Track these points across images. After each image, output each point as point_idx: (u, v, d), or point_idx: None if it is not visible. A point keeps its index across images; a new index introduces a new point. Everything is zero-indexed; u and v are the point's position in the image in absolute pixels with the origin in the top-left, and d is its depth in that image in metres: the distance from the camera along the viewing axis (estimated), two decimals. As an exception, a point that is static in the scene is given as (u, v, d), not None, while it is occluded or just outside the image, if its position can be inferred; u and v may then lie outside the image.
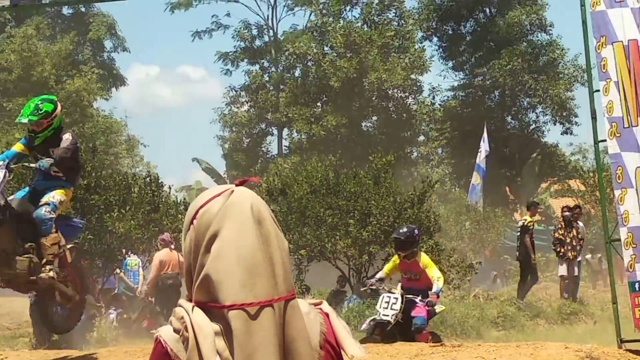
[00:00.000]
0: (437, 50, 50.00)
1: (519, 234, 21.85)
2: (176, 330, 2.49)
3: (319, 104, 50.72)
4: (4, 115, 47.21)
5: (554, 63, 45.62)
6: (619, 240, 11.88)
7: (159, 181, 24.76)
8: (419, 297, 12.82)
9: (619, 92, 11.89)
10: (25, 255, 10.68)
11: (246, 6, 54.04)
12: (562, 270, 20.92)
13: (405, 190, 23.93)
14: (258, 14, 52.82)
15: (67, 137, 11.13)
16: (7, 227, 10.54)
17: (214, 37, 52.85)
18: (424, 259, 13.74)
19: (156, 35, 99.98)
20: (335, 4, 47.73)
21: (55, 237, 10.77)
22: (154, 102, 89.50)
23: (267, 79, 52.65)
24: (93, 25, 54.73)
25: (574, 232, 20.54)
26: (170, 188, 26.10)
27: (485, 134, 38.11)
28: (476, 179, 37.09)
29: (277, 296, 2.51)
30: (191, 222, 2.62)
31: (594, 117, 12.52)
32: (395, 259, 13.81)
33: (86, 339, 18.08)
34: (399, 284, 13.91)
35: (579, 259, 21.45)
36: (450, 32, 48.44)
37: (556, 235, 21.32)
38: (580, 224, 21.53)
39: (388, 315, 13.34)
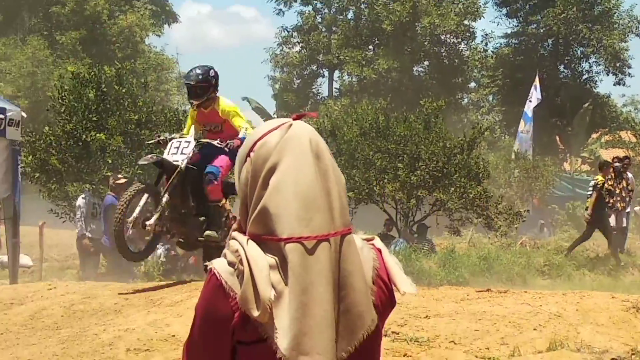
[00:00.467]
0: (491, -3, 60.98)
1: (589, 193, 20.39)
2: (230, 264, 2.51)
3: (370, 47, 50.71)
4: (57, 48, 46.92)
5: (608, 13, 44.52)
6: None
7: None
8: (218, 140, 11.04)
9: None
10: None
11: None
12: (611, 221, 20.41)
13: (455, 136, 23.45)
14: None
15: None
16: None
17: (266, -22, 54.61)
18: (225, 106, 11.75)
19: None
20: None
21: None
22: (205, 40, 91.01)
23: (319, 20, 52.44)
24: (146, -38, 67.53)
25: (624, 183, 20.11)
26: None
27: (537, 82, 36.78)
28: (523, 126, 36.06)
29: (334, 230, 2.55)
30: (247, 155, 2.62)
31: None
32: (191, 112, 11.76)
33: (134, 272, 18.21)
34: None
35: (628, 210, 21.14)
36: (504, -22, 59.48)
37: (606, 185, 20.18)
38: (630, 175, 20.94)
39: (178, 160, 11.40)
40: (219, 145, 10.89)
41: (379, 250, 2.70)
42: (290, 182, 2.54)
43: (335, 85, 52.84)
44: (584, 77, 47.02)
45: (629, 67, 45.84)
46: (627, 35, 45.05)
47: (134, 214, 10.80)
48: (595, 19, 44.98)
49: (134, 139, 22.47)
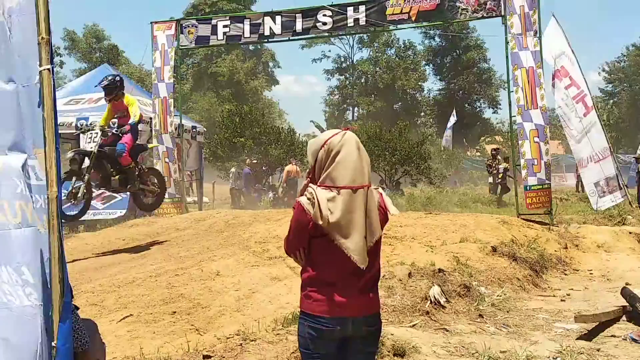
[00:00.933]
0: None
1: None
2: (308, 198, 3.56)
3: (372, 95, 64.28)
4: (221, 97, 55.80)
5: (490, 78, 61.78)
6: (520, 165, 14.95)
7: (294, 129, 31.67)
8: (115, 128, 12.37)
9: (523, 92, 14.58)
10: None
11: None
12: (491, 180, 24.95)
13: (413, 140, 29.26)
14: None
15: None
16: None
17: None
18: (128, 98, 12.94)
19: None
20: None
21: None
22: (290, 92, 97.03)
23: (347, 83, 66.52)
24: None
25: (497, 162, 24.26)
26: (298, 134, 31.92)
27: (454, 112, 49.21)
28: (447, 134, 48.37)
29: (366, 184, 3.63)
30: (322, 147, 3.69)
31: (510, 104, 14.88)
32: (108, 106, 13.05)
33: (258, 205, 22.27)
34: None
35: (500, 176, 23.87)
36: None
37: (487, 162, 25.87)
38: (499, 157, 24.85)
39: (91, 147, 12.99)
40: (115, 132, 12.28)
41: (380, 194, 3.68)
42: (346, 160, 3.58)
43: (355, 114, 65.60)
44: (477, 110, 63.24)
45: (499, 105, 62.08)
46: (499, 89, 59.52)
47: (68, 191, 11.91)
48: (483, 81, 61.21)
49: (258, 142, 27.65)
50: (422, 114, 62.23)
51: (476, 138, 54.61)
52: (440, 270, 8.66)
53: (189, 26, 17.67)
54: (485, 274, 9.34)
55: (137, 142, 13.15)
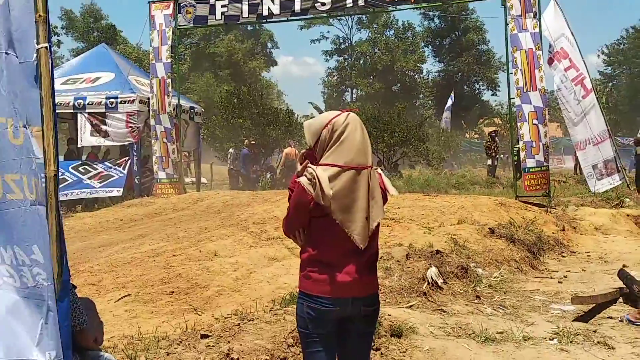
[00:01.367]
0: None
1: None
2: (308, 179, 3.58)
3: (371, 77, 63.21)
4: (219, 77, 55.15)
5: (489, 60, 60.59)
6: (518, 147, 15.07)
7: (292, 111, 31.63)
8: None
9: (522, 74, 14.60)
10: None
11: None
12: (489, 162, 25.20)
13: (411, 121, 28.98)
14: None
15: None
16: None
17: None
18: None
19: None
20: None
21: None
22: (288, 74, 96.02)
23: (346, 64, 65.34)
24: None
25: (495, 143, 24.62)
26: (296, 115, 31.81)
27: (452, 95, 48.03)
28: (445, 115, 47.69)
29: (368, 165, 3.65)
30: (325, 126, 3.67)
31: (509, 86, 14.01)
32: None
33: (256, 186, 21.75)
34: None
35: (497, 157, 25.66)
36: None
37: (485, 145, 25.96)
38: (497, 140, 25.30)
39: None
40: None
41: (380, 174, 3.68)
42: (350, 140, 3.58)
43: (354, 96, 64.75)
44: (476, 92, 62.18)
45: (498, 87, 60.71)
46: (498, 70, 58.53)
47: None
48: (482, 63, 59.88)
49: (256, 123, 27.50)
50: (421, 95, 61.75)
51: (475, 120, 54.54)
52: (437, 251, 8.69)
53: (187, 6, 17.65)
54: (482, 256, 9.38)
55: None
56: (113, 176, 17.72)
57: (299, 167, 3.71)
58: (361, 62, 62.01)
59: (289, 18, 16.87)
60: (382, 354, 5.56)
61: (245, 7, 16.82)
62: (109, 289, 7.97)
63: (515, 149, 14.74)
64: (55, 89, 3.28)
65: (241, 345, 4.91)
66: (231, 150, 25.77)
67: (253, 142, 25.45)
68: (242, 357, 4.72)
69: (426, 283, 7.66)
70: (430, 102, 60.02)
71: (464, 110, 55.23)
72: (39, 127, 3.13)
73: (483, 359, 5.83)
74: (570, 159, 34.20)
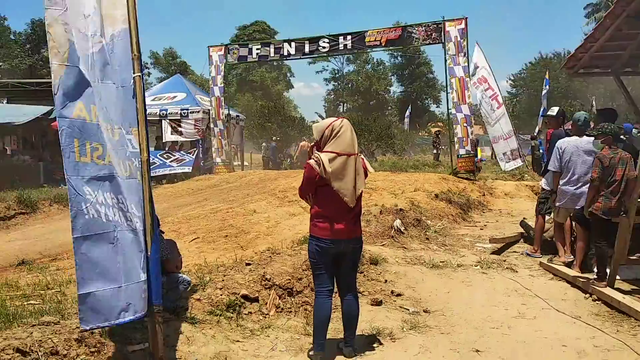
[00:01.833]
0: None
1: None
2: (315, 160, 3.57)
3: (356, 96, 60.36)
4: (256, 96, 52.95)
5: (434, 84, 58.01)
6: (454, 141, 14.72)
7: (304, 118, 31.33)
8: None
9: (456, 93, 14.20)
10: None
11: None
12: (435, 151, 24.09)
13: (383, 124, 28.31)
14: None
15: None
16: None
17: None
18: None
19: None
20: None
21: None
22: (299, 94, 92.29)
23: (339, 85, 62.32)
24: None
25: (439, 139, 24.03)
26: (307, 121, 31.32)
27: (409, 108, 45.71)
28: (405, 122, 43.69)
29: (355, 153, 3.62)
30: (327, 127, 3.64)
31: (448, 101, 13.84)
32: None
33: (280, 167, 21.61)
34: None
35: (439, 148, 24.19)
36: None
37: (432, 140, 25.18)
38: (440, 137, 24.48)
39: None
40: None
41: (362, 158, 3.63)
42: (343, 136, 3.53)
43: (345, 108, 61.80)
44: (425, 105, 59.64)
45: (440, 102, 58.35)
46: (440, 91, 56.40)
47: None
48: (429, 86, 58.15)
49: (280, 126, 27.50)
50: (389, 108, 61.02)
51: (425, 124, 54.20)
52: (400, 209, 8.63)
53: (233, 49, 17.54)
54: (430, 212, 9.32)
55: None
56: (185, 159, 17.64)
57: (310, 154, 3.69)
58: (349, 86, 61.60)
59: (301, 57, 16.79)
60: (364, 275, 5.54)
61: (272, 50, 16.79)
62: (185, 234, 7.98)
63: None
64: (146, 104, 3.29)
65: (272, 269, 4.89)
66: (264, 144, 25.71)
67: (278, 139, 25.37)
68: (273, 277, 4.69)
69: (393, 230, 7.62)
70: (395, 112, 59.42)
71: (418, 117, 54.74)
72: (136, 128, 3.14)
73: (431, 278, 5.82)
74: (488, 149, 33.95)
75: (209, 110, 18.08)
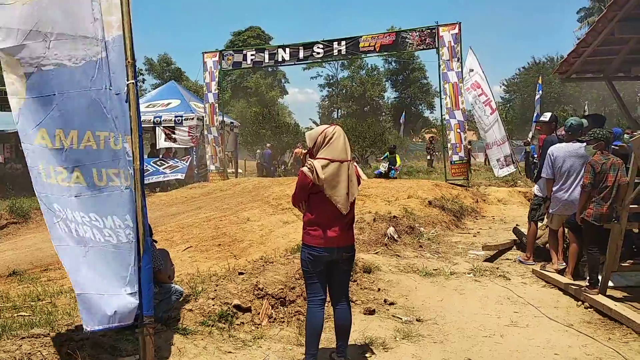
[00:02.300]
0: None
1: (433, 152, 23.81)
2: (308, 167, 3.55)
3: (350, 101, 59.58)
4: (250, 102, 52.99)
5: (428, 89, 56.54)
6: (447, 147, 14.77)
7: (298, 124, 31.19)
8: None
9: (450, 99, 14.37)
10: None
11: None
12: (428, 157, 24.31)
13: (377, 130, 28.07)
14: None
15: None
16: None
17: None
18: None
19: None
20: None
21: None
22: (294, 99, 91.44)
23: (334, 92, 61.64)
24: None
25: (433, 145, 24.37)
26: (301, 127, 31.17)
27: (404, 114, 45.99)
28: (401, 128, 44.72)
29: (348, 159, 3.59)
30: (320, 134, 3.61)
31: (441, 107, 13.92)
32: None
33: (275, 174, 21.74)
34: None
35: (433, 154, 24.61)
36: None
37: (426, 146, 25.40)
38: (434, 142, 24.96)
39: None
40: None
41: (355, 166, 3.61)
42: (336, 143, 3.50)
43: (339, 114, 60.85)
44: (419, 111, 58.88)
45: (434, 107, 56.62)
46: (433, 97, 54.60)
47: None
48: (423, 92, 57.18)
49: (274, 132, 27.34)
50: (383, 114, 60.36)
51: (419, 129, 54.08)
52: (394, 216, 8.67)
53: (227, 55, 17.54)
54: (424, 219, 9.34)
55: None
56: (178, 166, 17.63)
57: (303, 161, 3.68)
58: (344, 91, 61.41)
59: (296, 62, 16.80)
60: (357, 283, 5.52)
61: (266, 55, 16.79)
62: (178, 243, 7.98)
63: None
64: (140, 111, 3.28)
65: (265, 279, 4.88)
66: (258, 151, 25.70)
67: (268, 145, 25.42)
68: (266, 287, 4.67)
69: (386, 237, 7.62)
70: (389, 118, 58.68)
71: (412, 123, 54.68)
72: (129, 136, 3.13)
73: (424, 286, 5.81)
74: (481, 155, 34.01)
75: (203, 117, 17.98)
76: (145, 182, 3.39)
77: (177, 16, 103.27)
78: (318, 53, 16.06)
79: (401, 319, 4.63)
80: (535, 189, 6.60)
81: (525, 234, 7.04)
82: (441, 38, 13.80)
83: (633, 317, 4.29)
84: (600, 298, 4.81)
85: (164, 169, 17.34)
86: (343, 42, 15.59)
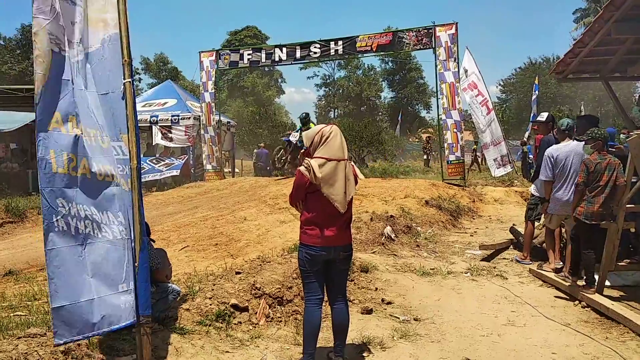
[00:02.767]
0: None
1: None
2: (305, 166, 3.55)
3: (347, 101, 59.52)
4: (246, 102, 51.84)
5: (425, 89, 56.62)
6: (444, 147, 14.83)
7: (295, 124, 29.90)
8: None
9: (446, 99, 14.44)
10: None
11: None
12: (425, 157, 25.02)
13: (373, 130, 27.49)
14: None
15: None
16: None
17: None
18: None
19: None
20: None
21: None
22: (290, 100, 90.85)
23: (331, 92, 61.47)
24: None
25: (429, 145, 24.84)
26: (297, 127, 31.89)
27: (401, 113, 46.13)
28: (397, 128, 43.95)
29: (345, 158, 3.60)
30: (317, 133, 3.63)
31: (438, 107, 13.81)
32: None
33: (271, 174, 19.57)
34: None
35: (430, 154, 25.24)
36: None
37: (422, 146, 25.86)
38: (430, 142, 25.22)
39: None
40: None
41: (352, 165, 3.57)
42: (332, 142, 3.51)
43: (336, 114, 60.69)
44: (416, 111, 58.57)
45: (430, 107, 57.72)
46: (430, 97, 54.90)
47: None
48: (420, 91, 56.92)
49: (271, 132, 27.22)
50: (380, 113, 59.96)
51: (415, 129, 54.10)
52: (391, 216, 8.65)
53: (224, 54, 17.51)
54: (420, 218, 9.33)
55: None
56: (174, 164, 17.71)
57: (300, 161, 3.77)
58: (340, 91, 61.27)
59: (293, 62, 16.79)
60: (355, 283, 5.51)
61: (263, 55, 16.78)
62: (175, 242, 7.92)
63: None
64: (136, 110, 3.26)
65: (262, 278, 4.85)
66: (255, 150, 25.60)
67: (262, 144, 25.35)
68: (263, 286, 4.66)
69: (384, 237, 7.61)
70: (386, 118, 58.31)
71: (408, 123, 54.61)
72: (126, 134, 3.12)
73: (421, 286, 5.80)
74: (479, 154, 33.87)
75: (199, 116, 17.93)
76: (142, 179, 3.39)
77: (174, 15, 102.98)
78: (315, 53, 16.05)
79: (398, 318, 4.63)
80: (532, 188, 6.61)
81: (522, 233, 7.03)
82: (438, 38, 13.82)
83: (630, 316, 4.30)
84: (597, 297, 4.82)
85: (159, 166, 17.33)
86: (340, 42, 15.58)
